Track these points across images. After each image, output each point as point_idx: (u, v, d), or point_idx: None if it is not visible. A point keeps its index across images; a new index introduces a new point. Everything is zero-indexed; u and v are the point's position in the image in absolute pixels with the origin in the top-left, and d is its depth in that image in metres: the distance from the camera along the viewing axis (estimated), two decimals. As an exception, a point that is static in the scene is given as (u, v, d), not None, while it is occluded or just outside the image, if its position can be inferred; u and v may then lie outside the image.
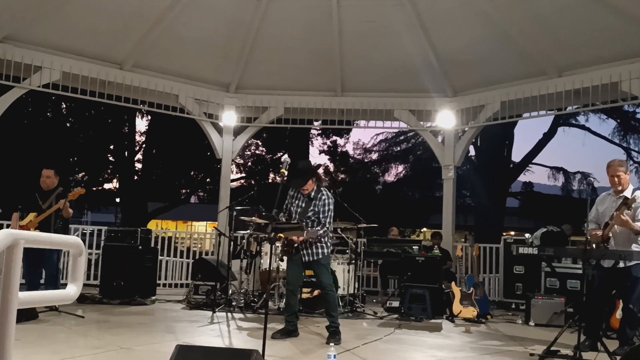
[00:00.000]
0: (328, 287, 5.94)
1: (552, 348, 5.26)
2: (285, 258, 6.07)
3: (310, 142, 25.00)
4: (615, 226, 5.57)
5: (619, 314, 6.47)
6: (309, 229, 5.77)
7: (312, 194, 5.90)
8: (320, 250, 5.90)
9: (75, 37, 9.24)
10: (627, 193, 5.64)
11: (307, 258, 5.91)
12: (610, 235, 5.63)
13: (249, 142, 20.79)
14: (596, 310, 5.80)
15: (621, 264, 5.48)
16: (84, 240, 10.18)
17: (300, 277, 6.21)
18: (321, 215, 5.87)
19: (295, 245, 5.83)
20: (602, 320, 5.94)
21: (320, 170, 27.46)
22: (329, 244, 6.05)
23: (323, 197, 5.91)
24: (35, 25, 8.84)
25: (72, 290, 2.16)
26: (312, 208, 5.89)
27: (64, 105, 20.88)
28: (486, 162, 20.01)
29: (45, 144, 19.02)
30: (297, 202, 5.98)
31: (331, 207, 5.93)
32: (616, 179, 5.73)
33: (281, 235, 5.64)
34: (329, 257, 6.17)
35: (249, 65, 10.53)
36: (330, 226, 6.00)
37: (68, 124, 21.78)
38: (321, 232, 5.78)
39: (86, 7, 8.88)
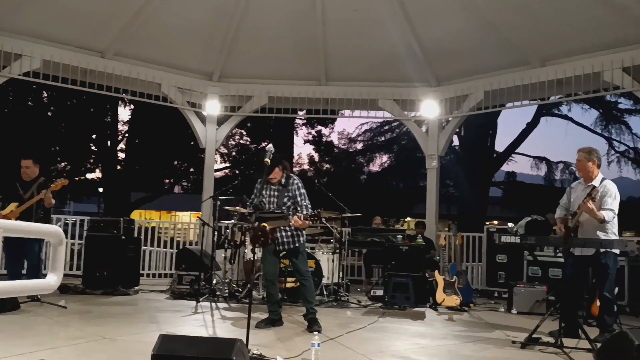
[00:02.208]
0: (306, 274, 5.96)
1: (534, 335, 5.33)
2: (259, 249, 6.04)
3: (294, 132, 24.98)
4: (583, 215, 5.65)
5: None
6: (292, 215, 5.71)
7: (283, 181, 5.90)
8: (296, 239, 5.91)
9: (56, 25, 9.10)
10: (596, 182, 5.77)
11: (282, 247, 5.90)
12: (579, 224, 5.74)
13: (233, 131, 20.70)
14: (571, 297, 5.86)
15: (589, 252, 5.56)
16: (66, 231, 10.14)
17: (277, 267, 6.19)
18: (299, 199, 5.86)
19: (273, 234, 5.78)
20: (578, 307, 6.01)
21: (307, 161, 27.44)
22: (303, 232, 6.04)
23: (295, 182, 5.91)
24: (15, 13, 8.69)
25: (52, 279, 2.14)
26: (286, 194, 5.88)
27: (45, 94, 20.65)
28: (469, 152, 20.11)
29: (27, 133, 18.79)
30: (268, 192, 5.93)
31: (304, 189, 5.94)
32: (578, 163, 5.94)
33: (265, 224, 5.60)
34: (305, 244, 6.18)
35: (232, 53, 10.46)
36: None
37: (50, 113, 21.54)
38: (310, 212, 5.73)
39: (67, -6, 8.76)
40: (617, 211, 5.67)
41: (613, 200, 5.67)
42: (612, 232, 5.70)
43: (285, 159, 6.04)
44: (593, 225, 5.66)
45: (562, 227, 5.82)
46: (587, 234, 5.65)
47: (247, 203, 5.87)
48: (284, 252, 5.96)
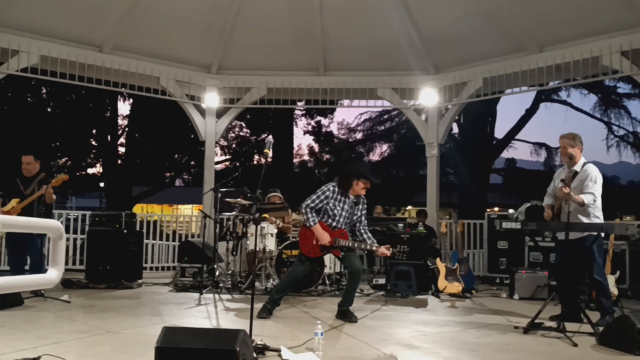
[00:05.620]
0: (362, 271, 6.08)
1: (536, 321, 5.35)
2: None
3: (294, 123, 24.95)
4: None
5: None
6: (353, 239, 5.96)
7: (356, 198, 6.03)
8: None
9: (53, 19, 9.07)
10: (578, 167, 5.83)
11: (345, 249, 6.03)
12: (561, 208, 5.78)
13: (233, 123, 20.68)
14: (565, 282, 5.88)
15: (571, 236, 5.56)
16: (68, 226, 10.17)
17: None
18: (363, 218, 6.11)
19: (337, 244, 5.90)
20: (576, 291, 6.02)
21: (307, 151, 27.43)
22: None
23: (365, 201, 6.13)
24: (11, 8, 8.67)
25: (53, 274, 2.14)
26: (356, 213, 6.04)
27: (44, 90, 20.61)
28: (469, 139, 20.09)
29: (27, 130, 18.78)
30: (341, 205, 5.95)
31: None
32: (561, 149, 6.04)
33: (266, 215, 5.63)
34: None
35: (230, 45, 10.43)
36: None
37: (49, 109, 21.51)
38: (400, 249, 6.12)
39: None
40: (599, 194, 5.72)
41: (594, 184, 5.72)
42: (594, 215, 5.76)
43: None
44: (574, 210, 5.68)
45: (550, 213, 5.93)
46: (569, 218, 5.67)
47: (309, 206, 5.85)
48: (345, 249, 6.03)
